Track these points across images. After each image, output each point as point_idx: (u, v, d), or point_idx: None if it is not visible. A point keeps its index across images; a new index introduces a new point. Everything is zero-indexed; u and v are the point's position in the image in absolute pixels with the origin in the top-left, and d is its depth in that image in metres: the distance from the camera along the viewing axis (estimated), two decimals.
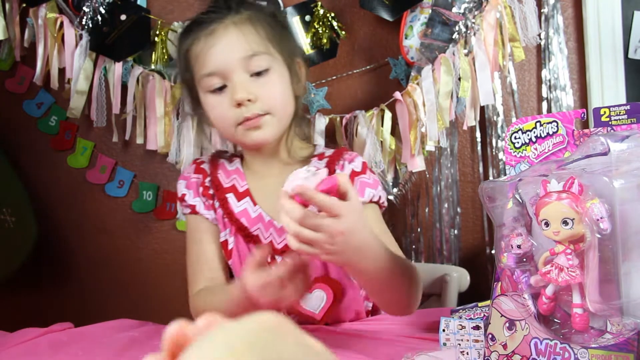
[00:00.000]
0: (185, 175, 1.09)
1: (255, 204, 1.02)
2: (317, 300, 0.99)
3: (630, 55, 1.59)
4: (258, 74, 0.96)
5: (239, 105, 0.94)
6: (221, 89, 0.96)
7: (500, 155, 1.60)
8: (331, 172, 0.99)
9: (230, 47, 0.95)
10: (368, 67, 1.62)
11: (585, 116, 0.66)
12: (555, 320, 0.61)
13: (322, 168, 0.74)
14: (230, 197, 1.03)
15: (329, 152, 1.07)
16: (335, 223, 0.70)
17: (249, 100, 0.94)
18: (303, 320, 1.00)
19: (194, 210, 1.05)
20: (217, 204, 1.04)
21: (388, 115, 1.48)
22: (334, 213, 0.70)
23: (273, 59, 0.98)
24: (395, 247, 1.02)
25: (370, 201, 1.00)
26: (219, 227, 1.04)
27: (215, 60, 0.95)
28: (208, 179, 1.05)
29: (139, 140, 1.58)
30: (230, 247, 1.02)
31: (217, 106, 0.97)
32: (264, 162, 1.05)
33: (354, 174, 1.01)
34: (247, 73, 0.95)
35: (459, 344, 0.71)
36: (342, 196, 0.72)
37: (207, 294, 0.99)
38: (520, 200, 0.64)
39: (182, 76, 1.06)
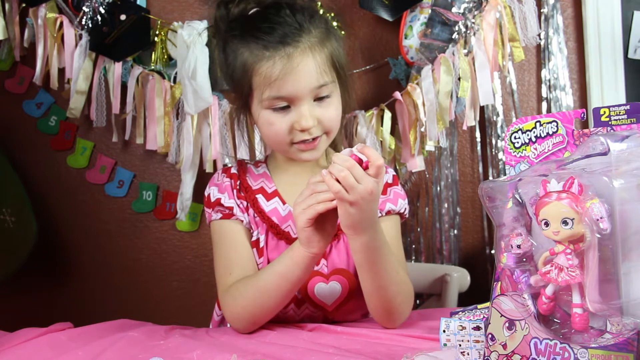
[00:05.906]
0: (216, 182, 1.10)
1: (284, 202, 1.06)
2: (331, 291, 1.02)
3: (630, 55, 1.59)
4: (321, 98, 0.99)
5: (303, 130, 0.98)
6: (284, 108, 0.98)
7: (500, 155, 1.60)
8: None
9: (306, 77, 0.96)
10: (368, 67, 1.62)
11: (585, 116, 0.66)
12: (555, 320, 0.61)
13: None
14: (260, 198, 1.06)
15: None
16: (373, 182, 0.82)
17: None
18: (315, 309, 1.03)
19: (228, 214, 1.05)
20: (248, 205, 1.06)
21: (388, 115, 1.49)
22: (377, 174, 0.82)
23: (334, 85, 1.01)
24: (401, 256, 1.08)
25: (398, 212, 1.07)
26: (251, 231, 1.05)
27: (289, 87, 0.96)
28: (238, 182, 1.08)
29: (139, 140, 1.59)
30: (261, 245, 1.04)
31: (276, 124, 0.99)
32: (298, 164, 1.07)
33: (387, 185, 1.09)
34: (312, 99, 0.98)
35: (460, 345, 0.71)
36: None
37: (248, 277, 0.98)
38: (520, 200, 0.64)
39: (234, 82, 1.04)
